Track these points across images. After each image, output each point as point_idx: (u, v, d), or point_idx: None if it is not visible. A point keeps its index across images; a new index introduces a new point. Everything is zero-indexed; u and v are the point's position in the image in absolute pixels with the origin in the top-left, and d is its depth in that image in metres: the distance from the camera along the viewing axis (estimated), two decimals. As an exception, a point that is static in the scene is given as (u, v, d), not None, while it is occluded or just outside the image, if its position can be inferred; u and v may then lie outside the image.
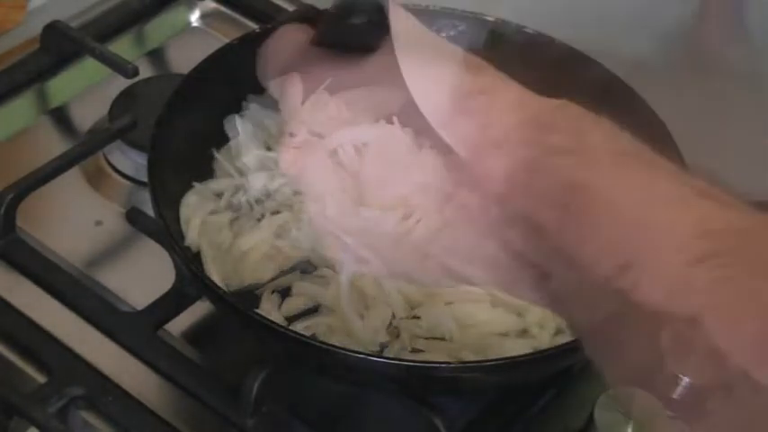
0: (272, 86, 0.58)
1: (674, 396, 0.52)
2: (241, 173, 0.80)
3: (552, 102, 0.59)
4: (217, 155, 0.81)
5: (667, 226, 0.50)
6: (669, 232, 0.50)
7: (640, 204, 0.51)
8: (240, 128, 0.81)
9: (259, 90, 0.84)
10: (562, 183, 0.53)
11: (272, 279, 0.76)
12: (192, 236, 0.76)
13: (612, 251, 0.51)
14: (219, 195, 0.80)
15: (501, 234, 0.56)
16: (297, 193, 0.80)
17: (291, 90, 0.56)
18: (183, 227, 0.76)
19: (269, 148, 0.81)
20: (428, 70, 0.62)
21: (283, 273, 0.76)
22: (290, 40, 0.61)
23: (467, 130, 0.58)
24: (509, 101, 0.59)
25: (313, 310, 0.75)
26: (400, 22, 0.65)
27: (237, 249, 0.76)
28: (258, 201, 0.79)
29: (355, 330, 0.72)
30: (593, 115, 0.57)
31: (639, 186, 0.52)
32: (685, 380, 0.52)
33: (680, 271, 0.48)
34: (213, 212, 0.78)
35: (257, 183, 0.79)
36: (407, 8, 0.86)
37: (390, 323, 0.73)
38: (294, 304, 0.75)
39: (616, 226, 0.51)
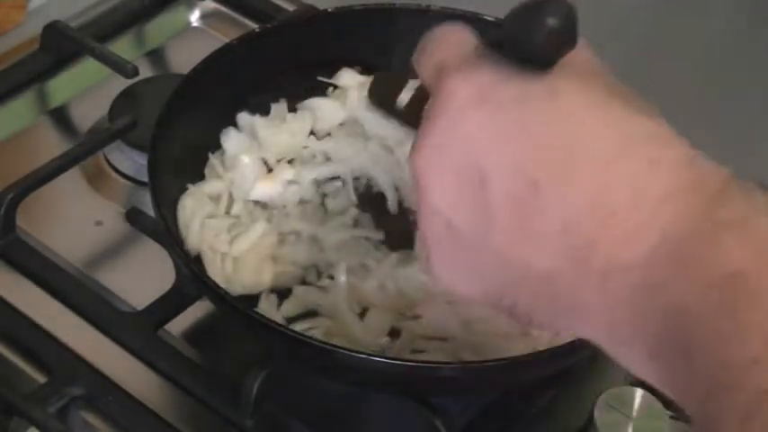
0: (427, 80, 0.55)
1: None
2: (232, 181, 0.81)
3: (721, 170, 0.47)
4: (212, 157, 0.81)
5: None
6: None
7: None
8: (235, 142, 0.82)
9: (259, 91, 0.84)
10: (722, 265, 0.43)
11: (272, 284, 0.76)
12: (193, 240, 0.76)
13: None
14: (213, 198, 0.80)
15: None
16: (303, 202, 0.81)
17: (450, 88, 0.52)
18: (183, 231, 0.76)
19: (265, 162, 0.82)
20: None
21: (283, 278, 0.76)
22: (456, 38, 0.56)
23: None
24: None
25: (313, 312, 0.75)
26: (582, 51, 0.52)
27: (232, 255, 0.76)
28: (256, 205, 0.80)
29: (355, 333, 0.72)
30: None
31: None
32: None
33: None
34: (212, 216, 0.78)
35: (257, 194, 0.80)
36: (408, 8, 0.87)
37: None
38: (293, 305, 0.75)
39: None
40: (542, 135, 0.48)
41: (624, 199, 0.46)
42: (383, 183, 0.82)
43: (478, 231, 0.49)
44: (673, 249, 0.44)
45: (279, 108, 0.85)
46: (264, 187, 0.81)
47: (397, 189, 0.82)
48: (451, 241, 0.50)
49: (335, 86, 0.87)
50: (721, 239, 0.43)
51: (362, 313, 0.74)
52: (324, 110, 0.86)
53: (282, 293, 0.75)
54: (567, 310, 0.48)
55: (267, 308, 0.74)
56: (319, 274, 0.77)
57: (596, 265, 0.46)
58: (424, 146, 0.51)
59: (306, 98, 0.86)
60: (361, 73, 0.87)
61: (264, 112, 0.85)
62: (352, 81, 0.87)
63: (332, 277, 0.76)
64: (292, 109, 0.86)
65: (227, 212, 0.79)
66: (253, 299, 0.75)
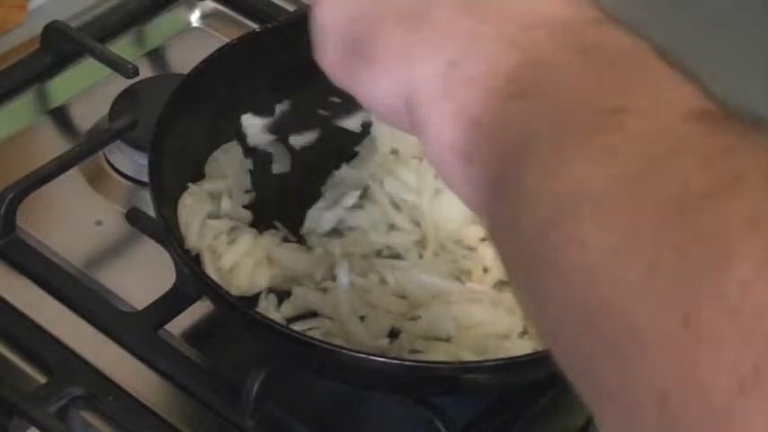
0: None
1: None
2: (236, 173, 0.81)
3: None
4: (212, 156, 0.81)
5: None
6: None
7: None
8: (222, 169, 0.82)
9: (259, 91, 0.84)
10: None
11: (268, 286, 0.76)
12: (193, 239, 0.76)
13: None
14: (214, 196, 0.80)
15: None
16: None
17: None
18: (183, 229, 0.76)
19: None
20: None
21: (280, 280, 0.76)
22: None
23: None
24: None
25: (312, 313, 0.75)
26: None
27: (225, 263, 0.76)
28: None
29: (355, 334, 0.72)
30: None
31: None
32: None
33: None
34: (213, 216, 0.78)
35: None
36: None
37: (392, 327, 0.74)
38: (293, 306, 0.75)
39: None
40: None
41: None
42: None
43: None
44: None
45: (283, 109, 0.85)
46: None
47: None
48: None
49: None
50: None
51: (362, 315, 0.74)
52: None
53: (281, 294, 0.75)
54: (416, 45, 0.47)
55: (266, 308, 0.74)
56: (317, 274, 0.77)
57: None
58: None
59: (306, 98, 0.86)
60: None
61: (269, 113, 0.85)
62: None
63: (333, 278, 0.76)
64: (297, 110, 0.86)
65: (229, 215, 0.80)
66: (252, 299, 0.75)
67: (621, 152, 0.37)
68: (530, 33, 0.44)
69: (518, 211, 0.40)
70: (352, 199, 0.81)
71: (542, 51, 0.43)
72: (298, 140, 0.86)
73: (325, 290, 0.75)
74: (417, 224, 0.80)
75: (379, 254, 0.78)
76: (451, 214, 0.79)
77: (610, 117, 0.39)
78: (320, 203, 0.81)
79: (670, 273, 0.34)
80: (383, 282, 0.76)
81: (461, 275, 0.77)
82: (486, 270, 0.77)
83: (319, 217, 0.80)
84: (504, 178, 0.41)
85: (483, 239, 0.79)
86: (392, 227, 0.80)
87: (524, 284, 0.41)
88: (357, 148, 0.85)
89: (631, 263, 0.35)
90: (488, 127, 0.43)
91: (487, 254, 0.78)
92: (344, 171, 0.83)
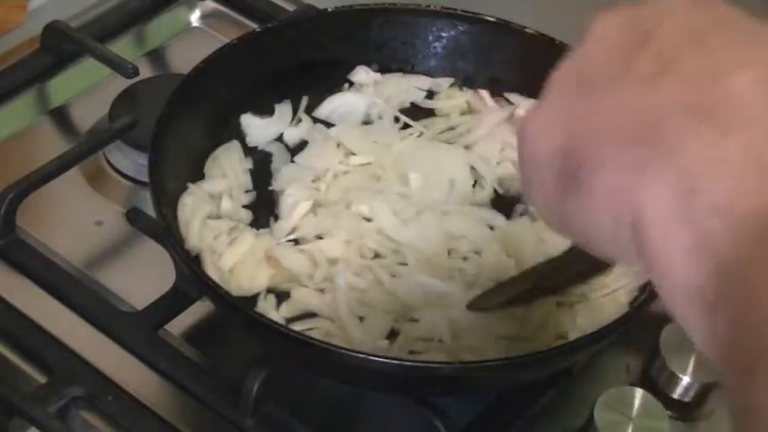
0: None
1: None
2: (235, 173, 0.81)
3: None
4: (212, 155, 0.81)
5: None
6: None
7: None
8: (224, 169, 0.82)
9: (259, 91, 0.84)
10: None
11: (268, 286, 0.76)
12: (193, 239, 0.76)
13: None
14: (214, 197, 0.79)
15: None
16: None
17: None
18: (183, 230, 0.76)
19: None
20: None
21: (279, 280, 0.76)
22: None
23: None
24: None
25: (312, 313, 0.75)
26: None
27: (225, 263, 0.76)
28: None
29: (355, 335, 0.72)
30: None
31: None
32: None
33: None
34: (213, 216, 0.78)
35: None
36: (408, 8, 0.87)
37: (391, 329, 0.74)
38: (291, 308, 0.75)
39: None
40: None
41: None
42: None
43: (611, 71, 0.44)
44: None
45: (283, 109, 0.85)
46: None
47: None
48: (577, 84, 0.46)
49: (351, 83, 0.88)
50: None
51: (361, 316, 0.74)
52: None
53: (280, 295, 0.75)
54: (638, 172, 0.41)
55: (265, 309, 0.74)
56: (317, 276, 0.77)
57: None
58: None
59: (303, 98, 0.86)
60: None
61: (268, 112, 0.85)
62: (367, 79, 0.87)
63: (331, 279, 0.76)
64: (297, 109, 0.86)
65: (229, 215, 0.80)
66: (252, 299, 0.75)
67: None
68: None
69: None
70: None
71: None
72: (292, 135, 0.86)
73: (323, 291, 0.75)
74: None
75: (377, 255, 0.78)
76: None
77: None
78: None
79: None
80: (380, 283, 0.76)
81: (461, 275, 0.77)
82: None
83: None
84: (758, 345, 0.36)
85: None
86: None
87: None
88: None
89: None
90: (737, 271, 0.37)
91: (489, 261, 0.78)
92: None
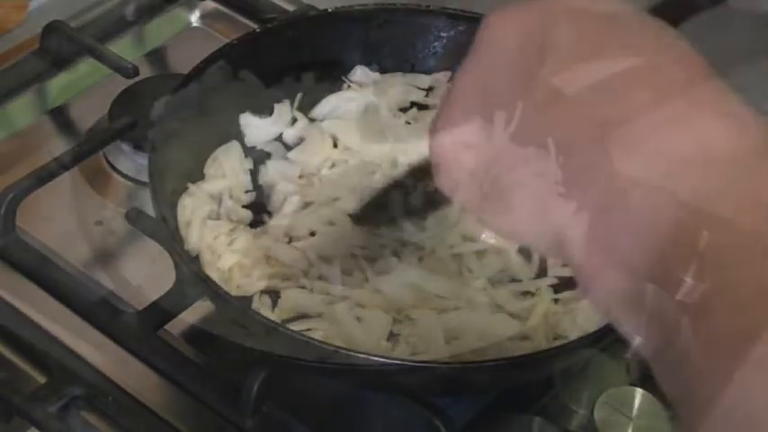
0: None
1: None
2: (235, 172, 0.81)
3: None
4: (212, 156, 0.81)
5: None
6: None
7: None
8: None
9: (259, 91, 0.84)
10: None
11: (264, 288, 0.76)
12: (193, 240, 0.76)
13: None
14: (214, 197, 0.80)
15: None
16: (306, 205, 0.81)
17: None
18: (183, 230, 0.76)
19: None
20: None
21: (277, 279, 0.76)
22: None
23: None
24: None
25: (306, 315, 0.75)
26: None
27: (225, 264, 0.76)
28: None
29: (354, 336, 0.72)
30: None
31: None
32: None
33: None
34: (213, 216, 0.78)
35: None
36: (408, 8, 0.87)
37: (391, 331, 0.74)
38: (287, 309, 0.75)
39: None
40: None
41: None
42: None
43: None
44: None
45: (282, 109, 0.85)
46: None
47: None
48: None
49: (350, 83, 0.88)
50: None
51: (360, 317, 0.74)
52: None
53: (275, 296, 0.76)
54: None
55: (261, 310, 0.74)
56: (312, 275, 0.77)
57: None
58: None
59: (298, 95, 0.86)
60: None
61: (268, 112, 0.85)
62: (366, 78, 0.87)
63: (326, 280, 0.76)
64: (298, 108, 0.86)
65: (229, 217, 0.80)
66: (249, 299, 0.75)
67: None
68: (689, 176, 0.40)
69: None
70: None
71: (709, 205, 0.39)
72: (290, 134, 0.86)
73: (321, 291, 0.75)
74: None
75: (375, 256, 0.78)
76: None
77: None
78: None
79: None
80: (379, 284, 0.76)
81: (460, 274, 0.77)
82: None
83: None
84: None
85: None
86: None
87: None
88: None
89: None
90: (652, 290, 0.40)
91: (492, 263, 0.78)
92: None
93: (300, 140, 0.86)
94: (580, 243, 0.43)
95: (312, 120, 0.87)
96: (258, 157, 0.84)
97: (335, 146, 0.85)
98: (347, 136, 0.85)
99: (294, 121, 0.86)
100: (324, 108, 0.87)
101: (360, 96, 0.87)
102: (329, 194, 0.81)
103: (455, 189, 0.50)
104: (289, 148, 0.85)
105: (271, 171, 0.83)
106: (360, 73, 0.88)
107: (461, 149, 0.49)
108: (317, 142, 0.85)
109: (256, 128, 0.85)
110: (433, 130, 0.51)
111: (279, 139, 0.85)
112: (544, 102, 0.45)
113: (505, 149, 0.46)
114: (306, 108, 0.87)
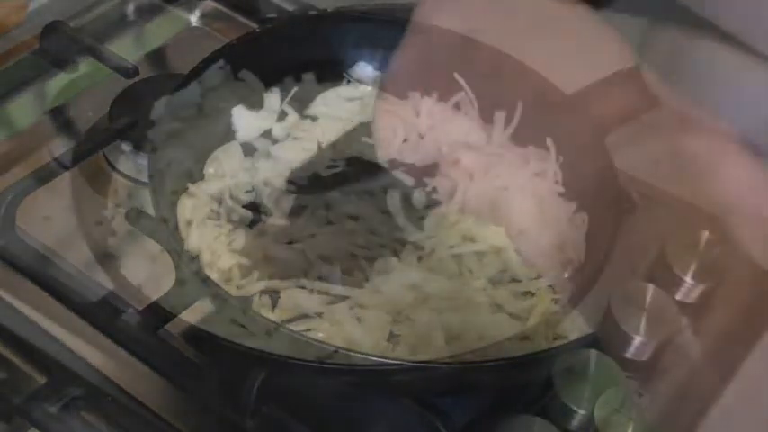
0: None
1: None
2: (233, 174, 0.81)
3: None
4: (212, 156, 0.82)
5: None
6: None
7: None
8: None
9: (257, 91, 0.84)
10: None
11: (264, 288, 0.76)
12: (193, 240, 0.76)
13: None
14: (214, 197, 0.80)
15: None
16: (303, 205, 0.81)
17: None
18: (183, 231, 0.76)
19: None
20: None
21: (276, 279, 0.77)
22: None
23: None
24: None
25: (306, 315, 0.75)
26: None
27: (224, 264, 0.76)
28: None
29: (354, 337, 0.72)
30: None
31: None
32: None
33: None
34: (212, 217, 0.78)
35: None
36: (408, 8, 0.87)
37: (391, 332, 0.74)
38: (287, 309, 0.75)
39: None
40: None
41: None
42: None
43: None
44: None
45: (272, 99, 0.85)
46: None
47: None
48: None
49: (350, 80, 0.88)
50: None
51: (360, 317, 0.74)
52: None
53: (275, 296, 0.76)
54: None
55: (261, 310, 0.74)
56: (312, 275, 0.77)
57: None
58: None
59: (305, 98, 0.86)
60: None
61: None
62: (365, 76, 0.87)
63: (326, 280, 0.76)
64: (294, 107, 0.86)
65: (228, 217, 0.80)
66: (251, 300, 0.75)
67: None
68: None
69: None
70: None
71: None
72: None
73: (321, 291, 0.75)
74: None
75: (375, 256, 0.78)
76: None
77: None
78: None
79: None
80: (379, 284, 0.76)
81: (460, 274, 0.77)
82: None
83: None
84: None
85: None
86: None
87: None
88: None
89: None
90: None
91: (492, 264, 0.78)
92: None
93: (287, 137, 0.86)
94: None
95: (306, 117, 0.87)
96: (248, 152, 0.84)
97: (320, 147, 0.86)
98: (333, 136, 0.85)
99: (284, 115, 0.86)
100: (318, 105, 0.87)
101: (356, 93, 0.87)
102: (324, 193, 0.81)
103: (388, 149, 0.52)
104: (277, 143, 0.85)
105: (261, 169, 0.83)
106: (360, 70, 0.88)
107: (397, 121, 0.53)
108: (302, 141, 0.85)
109: (247, 122, 0.84)
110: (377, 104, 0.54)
111: (269, 135, 0.85)
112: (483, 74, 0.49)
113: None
114: (302, 107, 0.87)
